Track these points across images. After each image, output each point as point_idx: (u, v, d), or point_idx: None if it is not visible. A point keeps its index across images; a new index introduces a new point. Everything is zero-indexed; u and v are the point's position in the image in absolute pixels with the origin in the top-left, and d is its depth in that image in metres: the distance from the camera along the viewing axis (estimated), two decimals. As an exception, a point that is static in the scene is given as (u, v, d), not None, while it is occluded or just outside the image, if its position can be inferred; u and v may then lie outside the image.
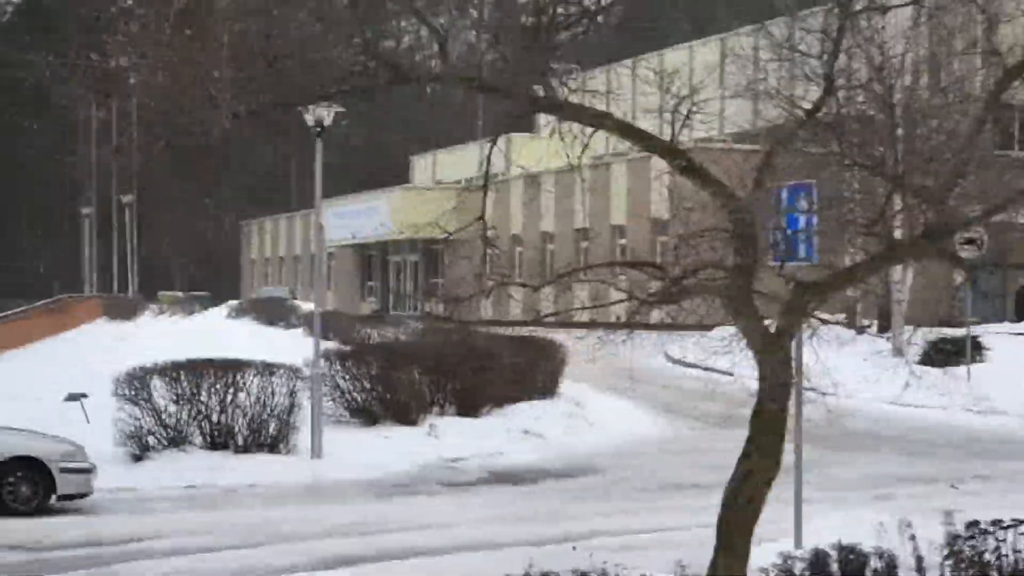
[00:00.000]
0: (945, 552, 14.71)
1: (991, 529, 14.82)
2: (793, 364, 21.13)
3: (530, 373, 35.89)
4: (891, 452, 32.83)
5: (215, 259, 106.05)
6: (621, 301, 12.97)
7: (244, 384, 30.19)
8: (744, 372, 45.39)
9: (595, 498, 26.85)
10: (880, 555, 14.95)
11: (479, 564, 19.74)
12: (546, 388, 36.30)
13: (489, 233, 13.93)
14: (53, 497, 25.15)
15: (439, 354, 34.23)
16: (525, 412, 34.54)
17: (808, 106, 12.71)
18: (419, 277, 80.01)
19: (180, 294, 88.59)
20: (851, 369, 43.95)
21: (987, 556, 14.56)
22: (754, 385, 42.02)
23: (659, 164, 13.18)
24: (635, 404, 38.10)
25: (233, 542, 22.03)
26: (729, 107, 14.68)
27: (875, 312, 51.34)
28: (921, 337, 44.86)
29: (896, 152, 12.73)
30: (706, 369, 47.15)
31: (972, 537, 14.57)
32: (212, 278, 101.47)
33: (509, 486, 28.70)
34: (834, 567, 14.97)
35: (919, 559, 14.86)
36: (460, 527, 23.43)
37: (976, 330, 45.18)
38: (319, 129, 30.98)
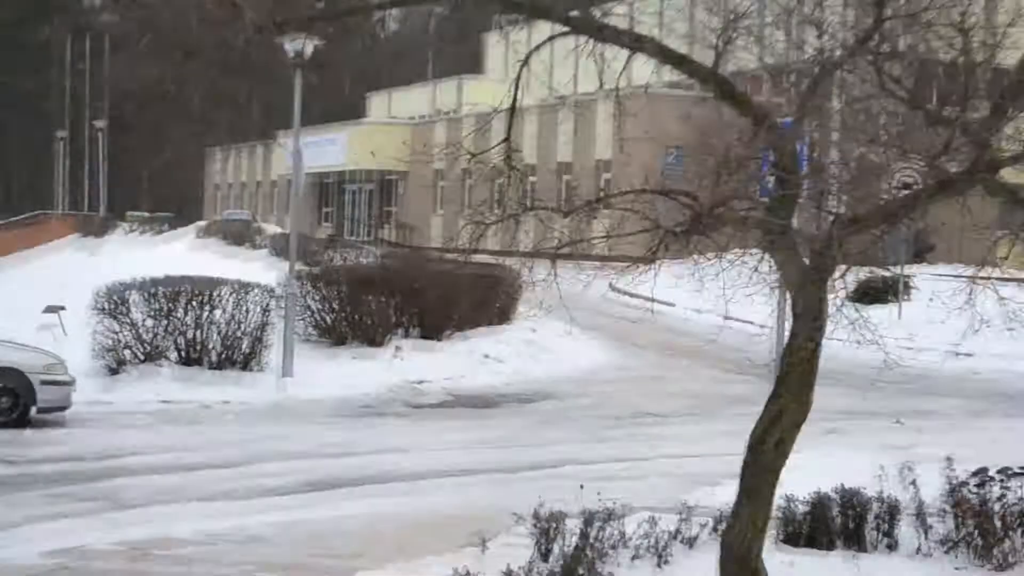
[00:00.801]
0: (949, 500, 13.20)
1: (997, 477, 13.35)
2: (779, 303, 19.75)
3: (489, 300, 34.30)
4: (831, 386, 31.36)
5: (179, 184, 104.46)
6: (644, 231, 11.30)
7: (219, 302, 28.44)
8: (682, 302, 43.82)
9: (557, 425, 25.29)
10: (882, 501, 13.41)
11: (466, 491, 18.20)
12: (504, 315, 34.75)
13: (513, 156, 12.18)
14: (33, 409, 23.36)
15: (405, 279, 32.62)
16: (485, 337, 32.96)
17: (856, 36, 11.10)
18: (373, 205, 78.45)
19: (147, 214, 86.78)
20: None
21: (991, 504, 13.07)
22: (689, 317, 40.38)
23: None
24: (588, 334, 36.56)
25: (214, 460, 20.30)
26: (770, 36, 12.89)
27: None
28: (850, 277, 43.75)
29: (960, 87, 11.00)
30: (649, 299, 45.84)
31: (981, 485, 13.06)
32: (176, 202, 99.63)
33: (472, 409, 27.14)
34: (835, 511, 13.40)
35: (920, 505, 13.34)
36: (434, 451, 21.81)
37: (896, 271, 44.00)
38: (299, 60, 29.13)
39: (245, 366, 28.45)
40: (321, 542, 14.67)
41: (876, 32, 10.62)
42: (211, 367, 28.18)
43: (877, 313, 41.61)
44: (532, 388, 29.67)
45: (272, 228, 59.76)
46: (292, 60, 28.99)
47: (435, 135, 73.78)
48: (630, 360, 34.48)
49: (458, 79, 76.17)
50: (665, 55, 10.88)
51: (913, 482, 13.49)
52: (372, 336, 31.29)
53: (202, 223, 64.96)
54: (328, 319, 31.52)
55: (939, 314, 39.26)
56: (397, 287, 32.23)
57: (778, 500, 13.68)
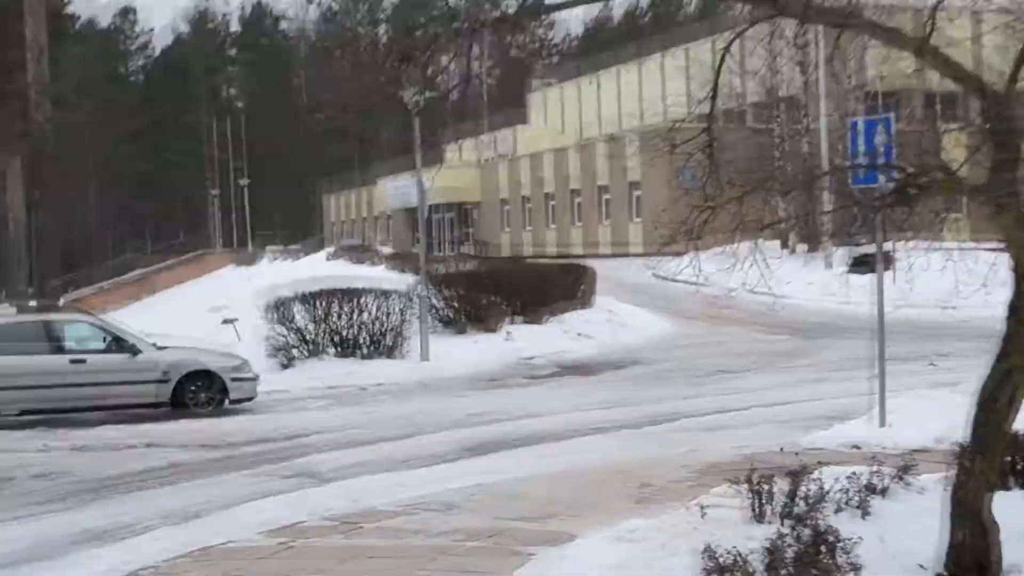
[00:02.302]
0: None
1: None
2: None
3: (573, 289, 31.65)
4: (857, 339, 28.53)
5: (303, 222, 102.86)
6: (846, 207, 8.63)
7: (365, 305, 25.98)
8: (715, 281, 40.99)
9: (653, 384, 22.56)
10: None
11: (608, 448, 15.47)
12: (585, 300, 32.07)
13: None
14: (226, 401, 20.89)
15: (508, 277, 30.06)
16: (574, 319, 30.32)
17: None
18: (454, 228, 75.87)
19: (281, 247, 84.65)
20: (797, 278, 39.98)
21: None
22: (722, 292, 36.97)
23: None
24: (650, 310, 33.89)
25: (384, 434, 17.68)
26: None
27: (802, 235, 47.05)
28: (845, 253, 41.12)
29: None
30: (685, 282, 43.11)
31: None
32: (302, 236, 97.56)
33: (579, 376, 24.44)
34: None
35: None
36: (563, 413, 19.07)
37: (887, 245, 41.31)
38: (417, 107, 26.48)
39: (390, 355, 25.96)
40: (509, 505, 11.92)
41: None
42: (363, 357, 25.72)
43: (872, 279, 39.07)
44: (620, 356, 26.98)
45: (385, 249, 57.18)
46: (412, 108, 26.33)
47: (499, 172, 71.20)
48: (690, 329, 31.75)
49: (512, 129, 73.53)
50: (874, 29, 8.14)
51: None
52: (486, 323, 28.67)
53: (330, 248, 62.48)
54: (450, 314, 28.92)
55: (922, 277, 36.50)
56: (503, 284, 29.69)
57: (951, 447, 10.88)
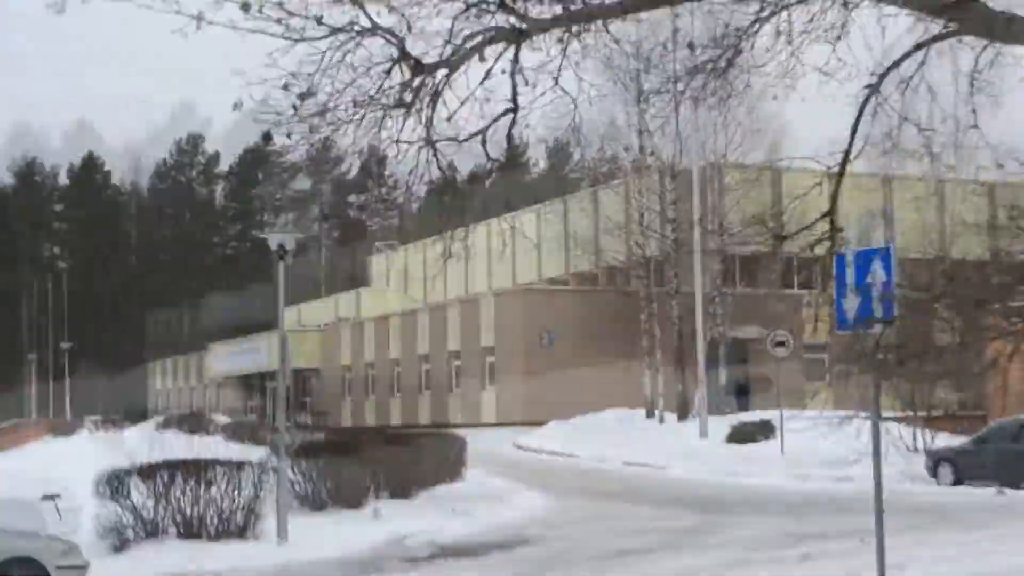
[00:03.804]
0: None
1: None
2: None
3: (444, 461, 28.56)
4: (763, 515, 26.08)
5: (127, 391, 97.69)
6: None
7: (213, 479, 22.47)
8: (584, 453, 38.11)
9: (555, 569, 19.49)
10: None
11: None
12: (455, 472, 28.98)
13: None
14: (50, 596, 17.13)
15: (373, 447, 26.82)
16: (448, 493, 27.16)
17: None
18: (291, 397, 72.00)
19: (100, 417, 79.44)
20: (673, 449, 37.64)
21: None
22: (596, 465, 33.91)
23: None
24: (523, 484, 30.85)
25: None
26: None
27: (672, 403, 44.87)
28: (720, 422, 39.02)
29: None
30: (551, 453, 40.41)
31: None
32: (124, 406, 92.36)
33: (465, 559, 21.14)
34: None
35: None
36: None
37: (757, 415, 39.11)
38: (282, 252, 23.48)
39: (242, 535, 22.36)
40: None
41: None
42: (210, 539, 22.07)
43: (758, 450, 36.90)
44: (505, 535, 23.74)
45: (222, 418, 53.25)
46: (276, 252, 23.37)
47: (342, 337, 68.14)
48: (569, 503, 28.74)
49: (356, 292, 70.72)
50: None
51: None
52: (349, 500, 25.30)
53: (159, 418, 58.21)
54: (309, 488, 25.48)
55: (806, 449, 34.11)
56: (366, 455, 26.44)
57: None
